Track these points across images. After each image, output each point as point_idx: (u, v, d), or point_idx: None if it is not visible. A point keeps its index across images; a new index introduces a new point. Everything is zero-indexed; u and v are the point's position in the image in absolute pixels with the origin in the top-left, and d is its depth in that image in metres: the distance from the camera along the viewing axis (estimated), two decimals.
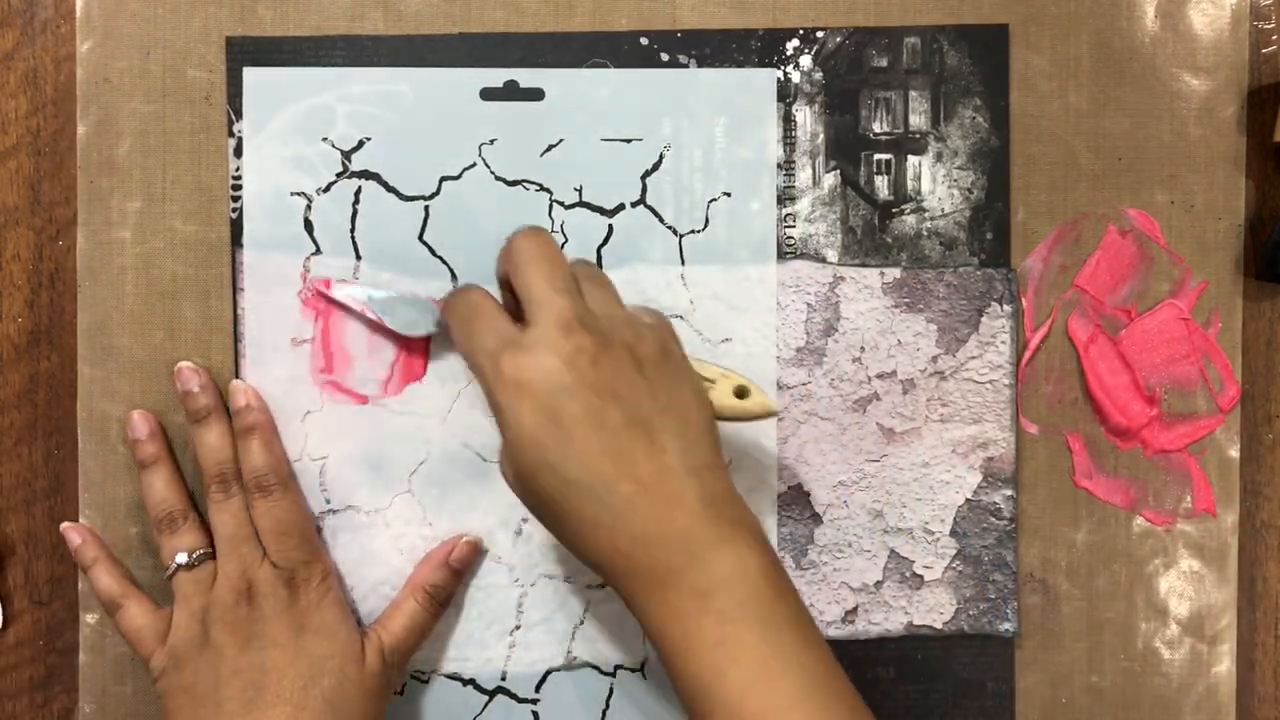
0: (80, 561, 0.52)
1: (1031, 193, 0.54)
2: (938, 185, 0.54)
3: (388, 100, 0.53)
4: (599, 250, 0.53)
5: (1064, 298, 0.55)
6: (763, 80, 0.54)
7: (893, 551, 0.54)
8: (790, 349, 0.54)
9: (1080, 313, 0.55)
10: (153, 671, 0.50)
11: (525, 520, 0.54)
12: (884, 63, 0.54)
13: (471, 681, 0.54)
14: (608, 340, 0.43)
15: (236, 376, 0.53)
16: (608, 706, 0.54)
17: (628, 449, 0.42)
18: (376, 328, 0.53)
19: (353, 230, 0.53)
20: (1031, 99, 0.54)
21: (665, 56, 0.53)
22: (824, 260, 0.54)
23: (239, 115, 0.53)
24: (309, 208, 0.53)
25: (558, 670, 0.54)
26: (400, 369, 0.53)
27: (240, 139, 0.53)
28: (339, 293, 0.52)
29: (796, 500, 0.54)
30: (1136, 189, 0.54)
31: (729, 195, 0.54)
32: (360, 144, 0.53)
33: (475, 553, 0.53)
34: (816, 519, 0.54)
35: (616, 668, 0.54)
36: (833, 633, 0.54)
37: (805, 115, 0.54)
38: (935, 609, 0.54)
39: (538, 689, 0.54)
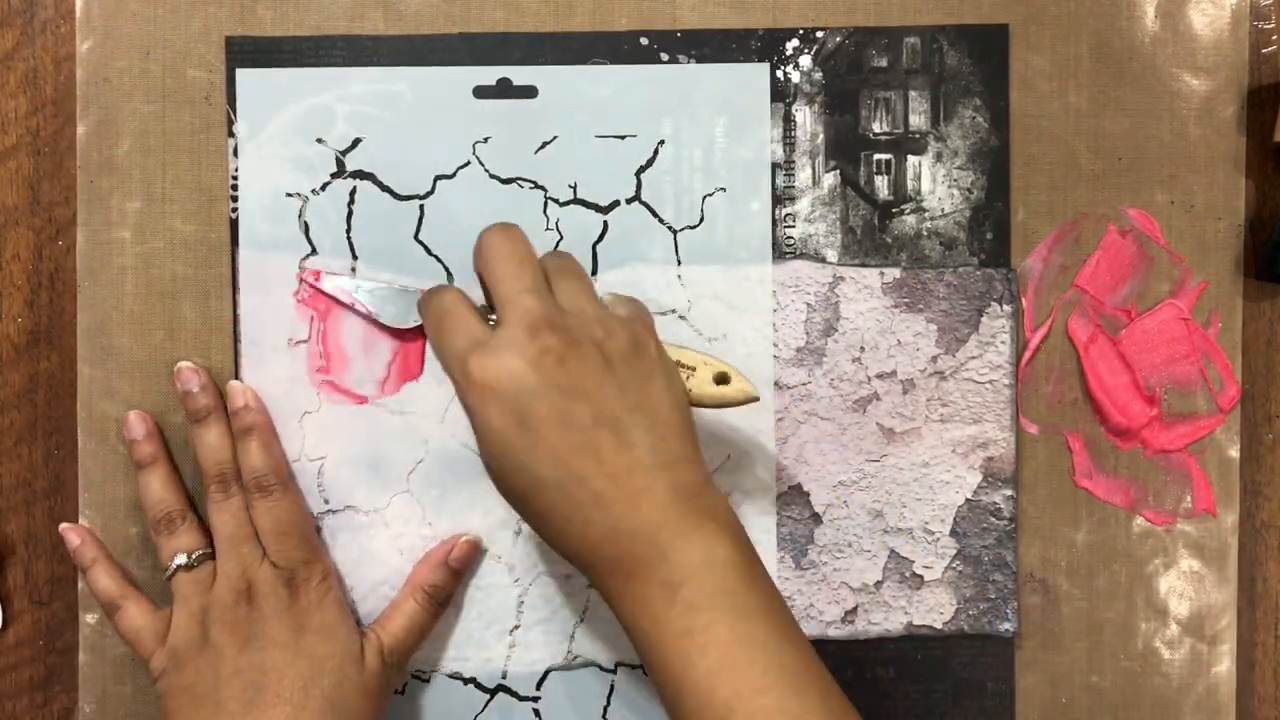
0: (79, 562, 0.52)
1: (1031, 193, 0.54)
2: (938, 185, 0.54)
3: (386, 100, 0.53)
4: (594, 247, 0.54)
5: (1064, 298, 0.55)
6: (757, 76, 0.53)
7: (893, 551, 0.54)
8: (790, 349, 0.54)
9: (1080, 313, 0.55)
10: (152, 672, 0.50)
11: None
12: (884, 63, 0.54)
13: (472, 681, 0.54)
14: (575, 340, 0.43)
15: (236, 377, 0.53)
16: (609, 704, 0.54)
17: (596, 447, 0.42)
18: (366, 320, 0.53)
19: (348, 230, 0.53)
20: (1031, 99, 0.54)
21: (665, 56, 0.53)
22: (824, 260, 0.54)
23: (239, 115, 0.53)
24: (304, 208, 0.53)
25: (558, 669, 0.54)
26: (397, 369, 0.53)
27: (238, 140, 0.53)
28: (328, 285, 0.52)
29: (796, 500, 0.54)
30: (1136, 189, 0.54)
31: (724, 190, 0.54)
32: (355, 144, 0.53)
33: (475, 552, 0.53)
34: (816, 519, 0.54)
35: (617, 665, 0.54)
36: (833, 633, 0.54)
37: (805, 115, 0.54)
38: (935, 609, 0.54)
39: (538, 687, 0.54)
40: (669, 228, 0.54)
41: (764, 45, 0.54)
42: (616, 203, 0.54)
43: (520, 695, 0.54)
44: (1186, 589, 0.55)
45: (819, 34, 0.54)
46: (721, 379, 0.48)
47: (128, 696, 0.53)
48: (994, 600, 0.54)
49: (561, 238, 0.53)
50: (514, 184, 0.53)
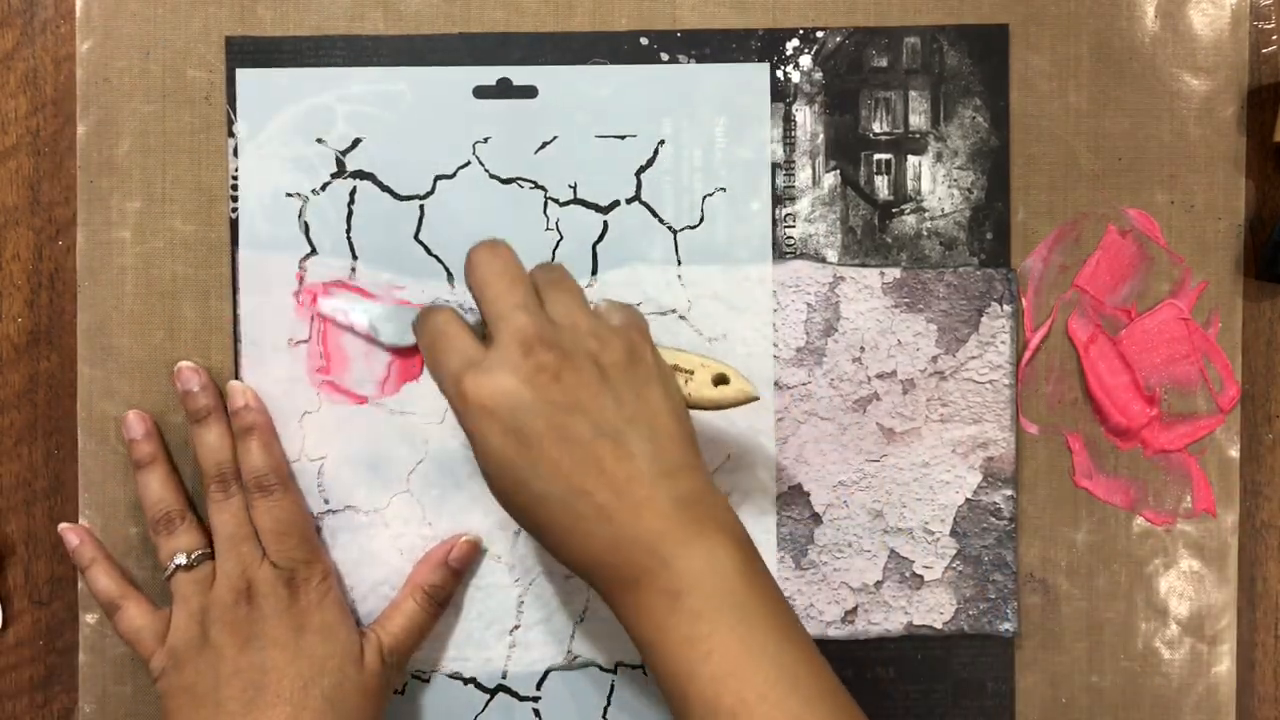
0: (78, 562, 0.52)
1: (1031, 193, 0.54)
2: (938, 185, 0.54)
3: (386, 100, 0.53)
4: (594, 247, 0.54)
5: (1064, 298, 0.55)
6: (757, 76, 0.53)
7: (893, 551, 0.54)
8: (790, 349, 0.54)
9: (1080, 313, 0.55)
10: (152, 672, 0.50)
11: None
12: (884, 63, 0.54)
13: (472, 681, 0.54)
14: (569, 353, 0.43)
15: (236, 377, 0.53)
16: (609, 704, 0.54)
17: (596, 460, 0.43)
18: (366, 339, 0.53)
19: (348, 230, 0.53)
20: (1031, 99, 0.54)
21: (665, 56, 0.53)
22: (824, 260, 0.54)
23: (239, 115, 0.53)
24: (304, 208, 0.53)
25: (558, 669, 0.54)
26: (397, 369, 0.53)
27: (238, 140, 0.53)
28: (325, 306, 0.52)
29: (796, 500, 0.54)
30: (1136, 189, 0.54)
31: (724, 190, 0.54)
32: (355, 144, 0.53)
33: (474, 552, 0.53)
34: (816, 519, 0.54)
35: (617, 665, 0.54)
36: (833, 633, 0.54)
37: (805, 115, 0.54)
38: (935, 609, 0.54)
39: (538, 687, 0.54)
40: (669, 228, 0.54)
41: (764, 45, 0.54)
42: (616, 203, 0.54)
43: (520, 695, 0.54)
44: (1186, 589, 0.55)
45: (819, 34, 0.54)
46: (720, 380, 0.48)
47: (128, 696, 0.53)
48: (994, 600, 0.54)
49: (561, 238, 0.53)
50: (514, 184, 0.53)
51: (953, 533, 0.54)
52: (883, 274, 0.54)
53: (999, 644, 0.55)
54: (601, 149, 0.53)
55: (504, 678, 0.54)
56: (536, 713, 0.54)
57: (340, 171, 0.53)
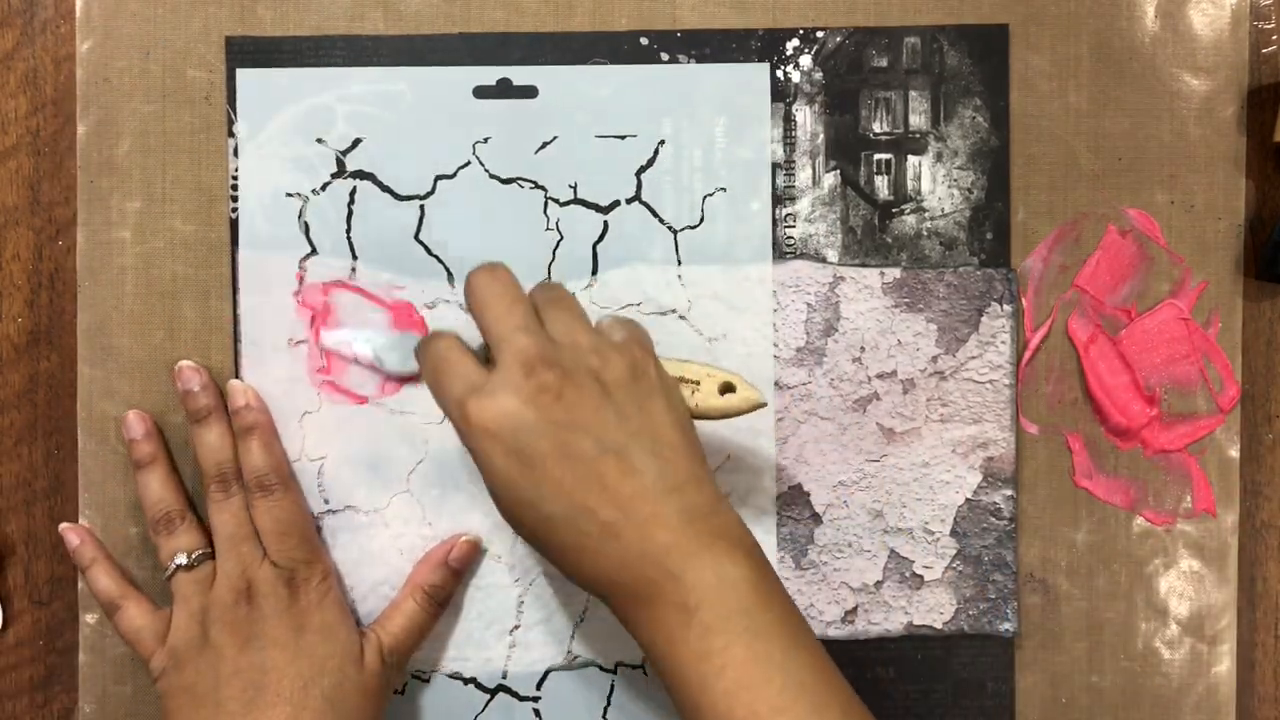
0: (78, 562, 0.52)
1: (1031, 193, 0.54)
2: (938, 185, 0.54)
3: (386, 100, 0.53)
4: (594, 247, 0.54)
5: (1064, 298, 0.55)
6: (757, 76, 0.54)
7: (893, 551, 0.54)
8: (790, 349, 0.54)
9: (1080, 313, 0.55)
10: (152, 672, 0.50)
11: None
12: (884, 63, 0.54)
13: (472, 681, 0.54)
14: (570, 372, 0.44)
15: (236, 377, 0.53)
16: (609, 704, 0.54)
17: (601, 477, 0.43)
18: (371, 370, 0.53)
19: (348, 230, 0.53)
20: (1031, 99, 0.54)
21: (665, 56, 0.53)
22: (824, 260, 0.54)
23: (239, 115, 0.53)
24: (304, 208, 0.53)
25: (558, 669, 0.54)
26: None
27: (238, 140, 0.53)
28: (328, 341, 0.53)
29: (796, 500, 0.54)
30: (1136, 189, 0.54)
31: (724, 190, 0.54)
32: (355, 144, 0.53)
33: (474, 552, 0.53)
34: (816, 519, 0.54)
35: (617, 665, 0.54)
36: (833, 633, 0.54)
37: (805, 115, 0.54)
38: (935, 609, 0.54)
39: (538, 687, 0.54)
40: (669, 228, 0.54)
41: (764, 45, 0.54)
42: (616, 203, 0.54)
43: (520, 695, 0.54)
44: (1186, 589, 0.55)
45: (819, 34, 0.54)
46: (727, 388, 0.48)
47: (128, 696, 0.53)
48: (994, 600, 0.54)
49: (561, 238, 0.53)
50: (514, 184, 0.53)
51: (953, 533, 0.54)
52: (883, 274, 0.54)
53: (999, 644, 0.55)
54: (601, 149, 0.53)
55: (504, 678, 0.54)
56: (536, 713, 0.54)
57: (340, 171, 0.53)
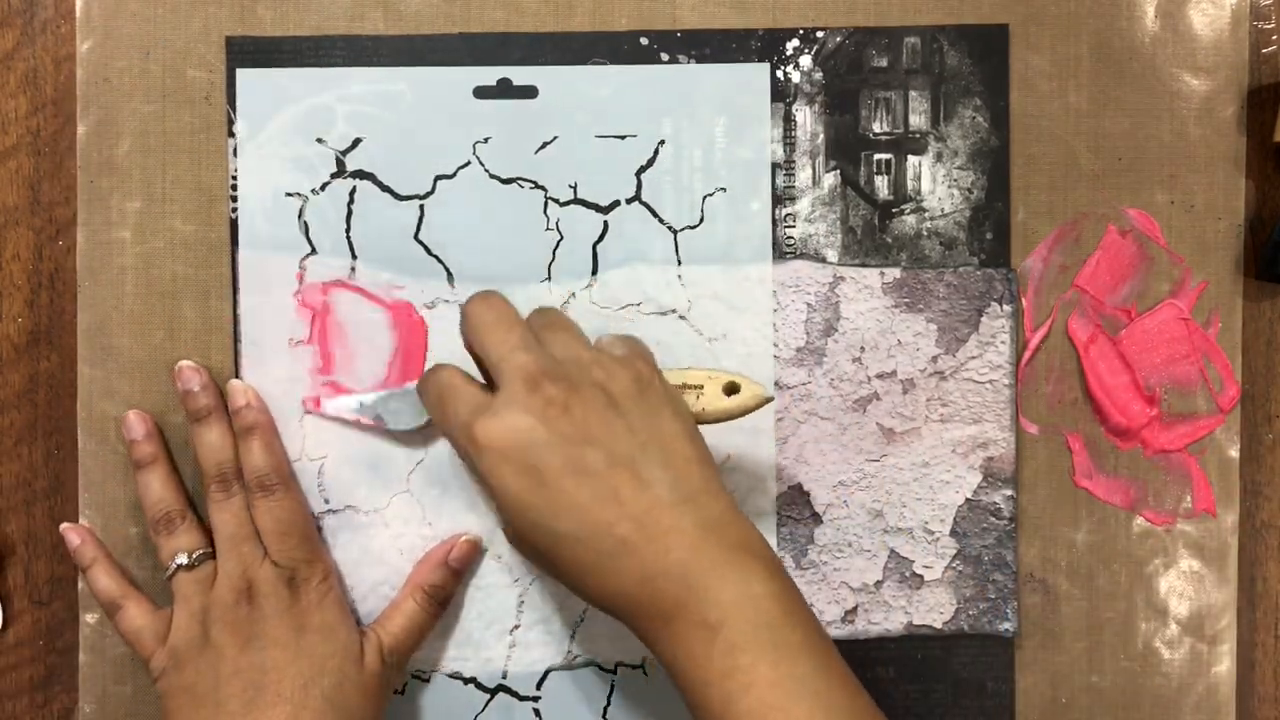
0: (79, 562, 0.52)
1: (1031, 193, 0.54)
2: (938, 185, 0.54)
3: (386, 100, 0.53)
4: (594, 247, 0.54)
5: (1064, 298, 0.55)
6: (757, 76, 0.54)
7: (893, 551, 0.54)
8: (790, 349, 0.54)
9: (1080, 313, 0.55)
10: (153, 672, 0.50)
11: None
12: (884, 63, 0.54)
13: (472, 681, 0.54)
14: (576, 386, 0.43)
15: (236, 377, 0.53)
16: (609, 704, 0.54)
17: (614, 491, 0.42)
18: (377, 431, 0.53)
19: (348, 230, 0.53)
20: (1031, 99, 0.54)
21: (665, 56, 0.53)
22: (824, 260, 0.54)
23: (239, 115, 0.53)
24: (304, 208, 0.53)
25: (558, 669, 0.54)
26: (397, 369, 0.53)
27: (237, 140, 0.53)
28: (329, 408, 0.53)
29: (796, 500, 0.54)
30: (1136, 189, 0.54)
31: (724, 190, 0.54)
32: (355, 144, 0.53)
33: (474, 551, 0.53)
34: (816, 519, 0.54)
35: (617, 665, 0.54)
36: (833, 633, 0.54)
37: (805, 115, 0.54)
38: (935, 609, 0.54)
39: (538, 687, 0.54)
40: (669, 228, 0.54)
41: (764, 45, 0.54)
42: (616, 203, 0.54)
43: (520, 695, 0.54)
44: (1186, 589, 0.55)
45: (819, 34, 0.54)
46: (732, 389, 0.48)
47: (128, 696, 0.53)
48: (994, 600, 0.54)
49: (561, 238, 0.53)
50: (514, 184, 0.53)
51: (953, 533, 0.54)
52: (883, 274, 0.54)
53: (999, 644, 0.55)
54: (601, 149, 0.53)
55: (504, 678, 0.54)
56: (536, 713, 0.54)
57: (340, 171, 0.53)
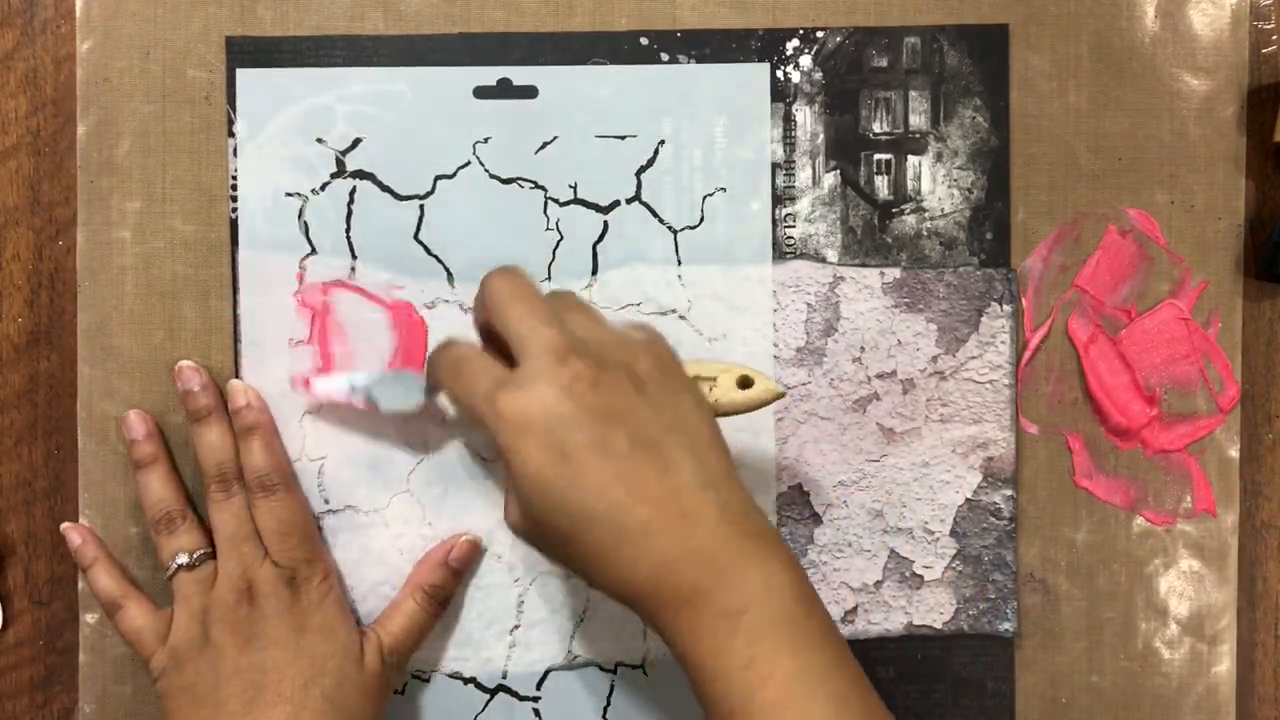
0: (80, 562, 0.52)
1: (1031, 193, 0.54)
2: (938, 185, 0.54)
3: (386, 100, 0.53)
4: (594, 247, 0.54)
5: (1064, 298, 0.55)
6: (757, 76, 0.54)
7: (893, 551, 0.54)
8: (790, 349, 0.54)
9: (1080, 313, 0.55)
10: (153, 672, 0.50)
11: None
12: (884, 63, 0.54)
13: (472, 681, 0.54)
14: (603, 363, 0.42)
15: (236, 377, 0.53)
16: (609, 704, 0.54)
17: (639, 472, 0.41)
18: (369, 412, 0.52)
19: (348, 230, 0.53)
20: (1031, 99, 0.54)
21: (665, 56, 0.53)
22: (824, 260, 0.54)
23: (239, 115, 0.53)
24: (304, 208, 0.53)
25: (558, 669, 0.54)
26: (397, 369, 0.53)
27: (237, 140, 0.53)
28: (320, 388, 0.52)
29: (796, 500, 0.54)
30: (1136, 189, 0.54)
31: (724, 190, 0.54)
32: (355, 144, 0.53)
33: (475, 551, 0.53)
34: (816, 519, 0.54)
35: (617, 665, 0.54)
36: None
37: (805, 115, 0.54)
38: (935, 609, 0.54)
39: (538, 687, 0.54)
40: (669, 228, 0.54)
41: (764, 45, 0.54)
42: (616, 203, 0.54)
43: (520, 695, 0.54)
44: (1186, 589, 0.55)
45: (819, 34, 0.54)
46: (745, 383, 0.48)
47: (128, 696, 0.53)
48: (994, 600, 0.54)
49: (561, 238, 0.53)
50: (514, 184, 0.53)
51: (953, 533, 0.54)
52: (883, 274, 0.54)
53: (999, 644, 0.55)
54: (601, 149, 0.53)
55: (504, 678, 0.54)
56: (536, 713, 0.54)
57: (340, 171, 0.53)
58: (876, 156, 0.54)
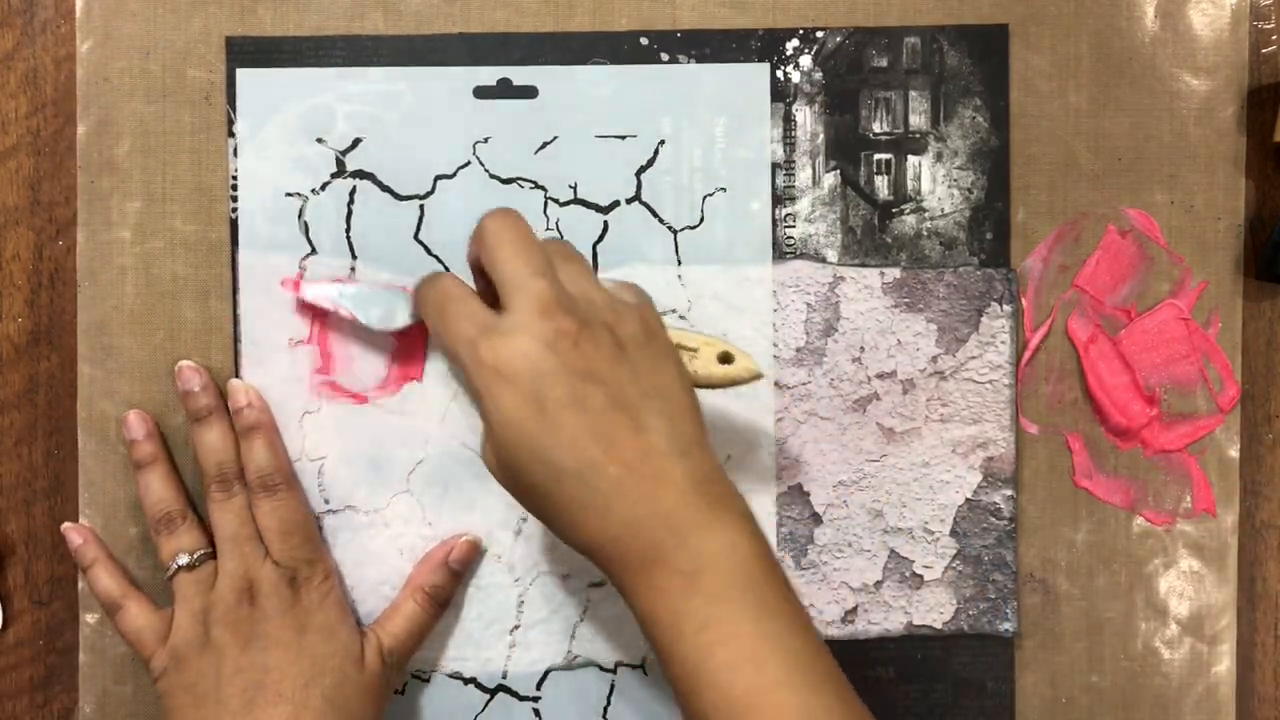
0: (80, 562, 0.52)
1: (1031, 193, 0.54)
2: (938, 185, 0.54)
3: (386, 100, 0.53)
4: (594, 247, 0.54)
5: (1064, 298, 0.55)
6: (757, 76, 0.54)
7: (893, 551, 0.54)
8: (790, 349, 0.54)
9: (1080, 313, 0.55)
10: (153, 672, 0.50)
11: (524, 519, 0.54)
12: (884, 63, 0.54)
13: (472, 681, 0.54)
14: (587, 322, 0.43)
15: (236, 376, 0.53)
16: (609, 704, 0.54)
17: (612, 432, 0.42)
18: (352, 325, 0.52)
19: (348, 230, 0.53)
20: (1031, 99, 0.54)
21: (665, 56, 0.53)
22: (824, 260, 0.54)
23: (239, 115, 0.53)
24: (304, 208, 0.53)
25: (558, 669, 0.54)
26: (398, 369, 0.53)
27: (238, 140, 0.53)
28: (309, 293, 0.52)
29: (796, 500, 0.54)
30: (1136, 189, 0.54)
31: (724, 190, 0.54)
32: (355, 144, 0.53)
33: (474, 552, 0.53)
34: (816, 519, 0.54)
35: (617, 665, 0.54)
36: (833, 632, 0.54)
37: (805, 115, 0.54)
38: (935, 609, 0.54)
39: (538, 687, 0.54)
40: (669, 228, 0.54)
41: (764, 45, 0.54)
42: (616, 203, 0.54)
43: (520, 695, 0.54)
44: (1186, 589, 0.55)
45: (819, 34, 0.54)
46: (725, 358, 0.48)
47: (128, 696, 0.53)
48: (994, 600, 0.54)
49: (562, 238, 0.53)
50: (514, 184, 0.53)
51: (953, 533, 0.54)
52: (883, 274, 0.54)
53: (999, 644, 0.55)
54: (601, 149, 0.53)
55: (504, 678, 0.54)
56: (536, 713, 0.54)
57: (340, 171, 0.53)
58: (876, 156, 0.54)
